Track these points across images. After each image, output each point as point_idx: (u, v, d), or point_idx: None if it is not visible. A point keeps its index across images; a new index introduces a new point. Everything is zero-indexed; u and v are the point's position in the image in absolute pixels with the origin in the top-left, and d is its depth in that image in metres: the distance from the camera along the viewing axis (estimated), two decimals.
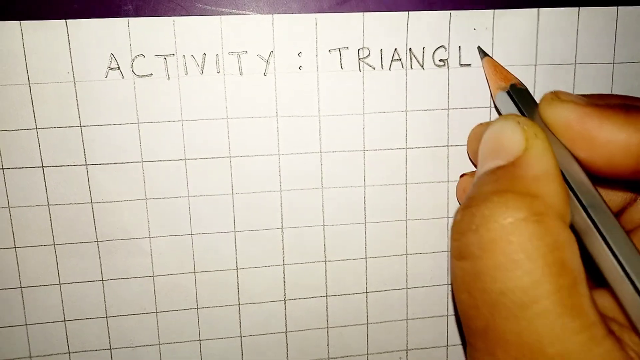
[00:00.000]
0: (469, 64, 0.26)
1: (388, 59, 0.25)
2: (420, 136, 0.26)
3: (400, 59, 0.25)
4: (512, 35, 0.26)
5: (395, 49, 0.25)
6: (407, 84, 0.26)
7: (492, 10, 0.26)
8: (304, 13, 0.24)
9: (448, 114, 0.26)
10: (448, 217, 0.27)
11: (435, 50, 0.26)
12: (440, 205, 0.27)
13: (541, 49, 0.26)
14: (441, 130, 0.27)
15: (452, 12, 0.25)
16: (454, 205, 0.27)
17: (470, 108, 0.26)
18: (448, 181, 0.27)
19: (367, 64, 0.25)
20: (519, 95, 0.21)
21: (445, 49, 0.26)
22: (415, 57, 0.26)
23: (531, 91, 0.27)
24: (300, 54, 0.25)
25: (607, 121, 0.15)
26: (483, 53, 0.26)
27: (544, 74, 0.26)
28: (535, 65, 0.26)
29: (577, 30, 0.26)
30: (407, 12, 0.25)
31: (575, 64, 0.26)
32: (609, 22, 0.26)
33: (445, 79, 0.26)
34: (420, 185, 0.27)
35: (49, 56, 0.23)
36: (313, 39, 0.25)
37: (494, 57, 0.26)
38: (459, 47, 0.26)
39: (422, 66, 0.26)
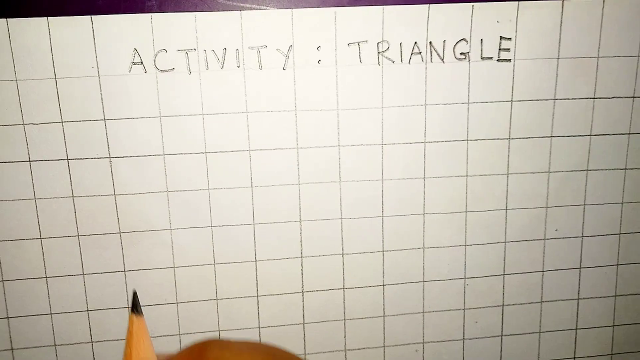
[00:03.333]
0: (491, 57, 0.27)
1: (408, 53, 0.27)
2: (439, 130, 0.28)
3: (420, 53, 0.27)
4: (535, 28, 0.27)
5: (415, 43, 0.27)
6: (427, 78, 0.27)
7: (516, 2, 0.27)
8: (323, 7, 0.26)
9: (468, 108, 0.28)
10: (466, 212, 0.29)
11: (456, 43, 0.27)
12: (458, 200, 0.29)
13: (564, 42, 0.27)
14: (461, 124, 0.28)
15: (475, 4, 0.27)
16: (473, 199, 0.29)
17: (492, 102, 0.28)
18: (467, 175, 0.29)
19: (386, 57, 0.27)
20: None
21: (467, 42, 0.27)
22: (436, 51, 0.27)
23: (553, 86, 0.28)
24: (319, 48, 0.26)
25: None
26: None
27: (566, 68, 0.28)
28: (558, 58, 0.28)
29: (601, 22, 0.27)
30: (427, 5, 0.26)
31: (598, 57, 0.28)
32: (635, 14, 0.27)
33: (466, 72, 0.27)
34: (438, 180, 0.28)
35: (75, 51, 0.25)
36: (332, 33, 0.26)
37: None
38: (481, 40, 0.27)
39: (443, 60, 0.27)
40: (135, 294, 0.19)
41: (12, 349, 0.27)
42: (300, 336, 0.29)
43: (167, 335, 0.29)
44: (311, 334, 0.29)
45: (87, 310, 0.28)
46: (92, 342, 0.28)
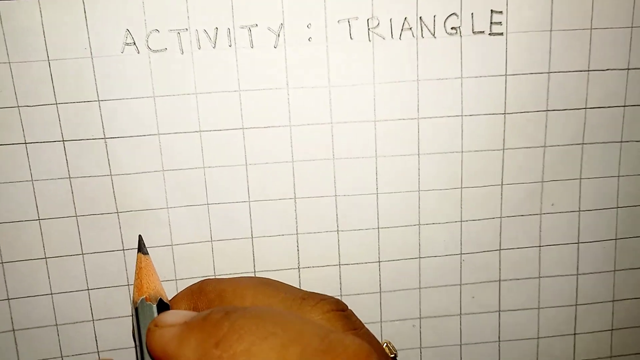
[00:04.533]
0: (483, 32, 0.28)
1: (398, 29, 0.27)
2: (432, 106, 0.28)
3: (410, 28, 0.27)
4: (526, 0, 0.27)
5: (405, 18, 0.27)
6: (419, 54, 0.28)
7: None
8: None
9: (462, 83, 0.28)
10: (461, 188, 0.30)
11: (447, 18, 0.27)
12: (453, 176, 0.29)
13: (556, 14, 0.28)
14: (454, 100, 0.28)
15: None
16: (468, 175, 0.29)
17: (485, 77, 0.28)
18: (462, 151, 0.29)
19: (376, 34, 0.27)
20: (143, 313, 0.19)
21: (457, 16, 0.27)
22: (426, 26, 0.27)
23: (547, 59, 0.28)
24: (309, 26, 0.27)
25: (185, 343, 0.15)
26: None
27: (559, 40, 0.28)
28: (551, 31, 0.28)
29: None
30: None
31: (591, 29, 0.28)
32: None
33: (458, 47, 0.28)
34: (433, 156, 0.29)
35: (67, 32, 0.26)
36: (322, 10, 0.27)
37: None
38: (472, 13, 0.27)
39: (434, 35, 0.27)
40: (140, 237, 0.21)
41: (13, 330, 0.28)
42: None
43: None
44: None
45: (88, 289, 0.29)
46: (93, 320, 0.29)
